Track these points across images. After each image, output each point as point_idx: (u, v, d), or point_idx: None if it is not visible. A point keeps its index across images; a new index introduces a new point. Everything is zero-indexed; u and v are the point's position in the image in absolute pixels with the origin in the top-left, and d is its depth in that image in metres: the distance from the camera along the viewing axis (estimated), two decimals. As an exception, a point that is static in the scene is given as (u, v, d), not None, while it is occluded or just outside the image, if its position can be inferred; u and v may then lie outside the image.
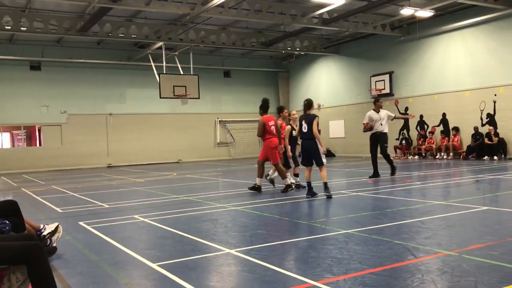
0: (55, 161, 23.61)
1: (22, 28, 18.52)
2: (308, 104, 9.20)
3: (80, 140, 24.18)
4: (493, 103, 18.62)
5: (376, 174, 12.29)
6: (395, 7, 18.66)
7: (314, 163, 9.09)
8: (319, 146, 8.96)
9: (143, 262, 4.85)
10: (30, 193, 12.15)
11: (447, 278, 3.91)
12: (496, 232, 5.71)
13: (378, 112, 12.42)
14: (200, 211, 8.15)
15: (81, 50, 23.60)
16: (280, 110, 11.67)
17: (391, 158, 12.69)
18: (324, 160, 9.05)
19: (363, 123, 12.58)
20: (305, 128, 9.04)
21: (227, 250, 5.16)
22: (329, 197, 8.81)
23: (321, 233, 5.88)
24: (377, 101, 12.62)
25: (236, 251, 5.08)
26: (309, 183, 9.07)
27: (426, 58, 21.51)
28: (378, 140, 12.39)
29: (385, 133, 12.44)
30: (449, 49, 20.47)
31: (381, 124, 12.29)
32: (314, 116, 9.08)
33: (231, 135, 28.13)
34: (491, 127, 18.41)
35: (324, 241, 5.47)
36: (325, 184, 8.95)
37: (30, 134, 25.59)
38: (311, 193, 9.03)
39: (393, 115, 12.91)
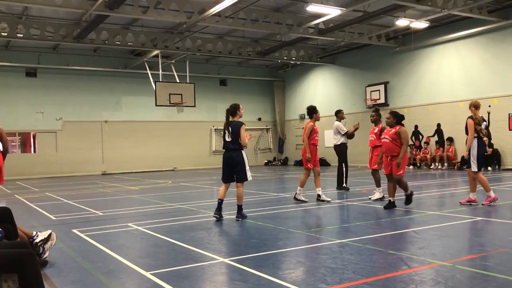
0: (49, 168, 23.49)
1: (18, 35, 18.51)
2: (233, 110, 8.00)
3: (75, 147, 24.09)
4: (487, 114, 18.72)
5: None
6: (391, 18, 18.82)
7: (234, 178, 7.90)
8: (245, 158, 7.83)
9: (137, 271, 4.83)
10: (24, 200, 12.08)
11: (440, 289, 3.91)
12: (490, 243, 5.73)
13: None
14: (194, 219, 8.12)
15: (77, 57, 23.59)
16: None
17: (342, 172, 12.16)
18: (248, 175, 7.86)
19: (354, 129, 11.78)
20: (228, 137, 7.83)
21: (221, 259, 5.15)
22: (242, 218, 7.82)
23: (315, 243, 5.88)
24: (339, 112, 12.24)
25: (230, 260, 5.07)
26: (221, 201, 7.83)
27: (421, 68, 21.66)
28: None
29: (336, 146, 12.15)
30: (443, 60, 20.63)
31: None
32: (241, 124, 7.86)
33: (226, 143, 28.05)
34: (485, 138, 18.46)
35: (318, 251, 5.47)
36: (240, 207, 7.87)
37: (25, 141, 25.46)
38: (220, 213, 7.82)
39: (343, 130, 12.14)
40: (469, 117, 8.55)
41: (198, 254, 5.50)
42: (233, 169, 7.84)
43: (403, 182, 8.40)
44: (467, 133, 8.56)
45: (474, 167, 8.47)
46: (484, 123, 8.68)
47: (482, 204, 8.43)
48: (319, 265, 4.81)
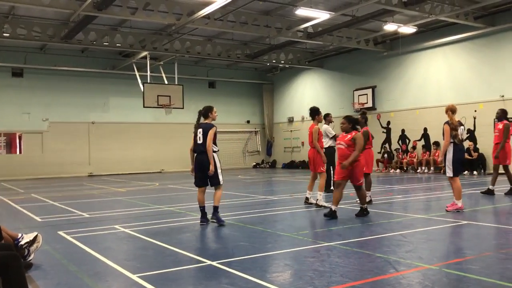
0: (35, 169, 23.22)
1: (4, 34, 18.27)
2: (205, 111, 7.71)
3: (61, 148, 23.86)
4: (473, 119, 18.97)
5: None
6: (379, 22, 18.97)
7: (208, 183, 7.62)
8: (216, 161, 7.50)
9: (123, 273, 4.79)
10: (9, 202, 11.92)
11: (427, 292, 3.94)
12: (476, 247, 5.79)
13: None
14: (181, 222, 8.09)
15: (65, 57, 23.38)
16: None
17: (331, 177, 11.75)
18: (221, 178, 7.58)
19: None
20: (200, 139, 7.50)
21: (209, 262, 5.12)
22: (221, 224, 7.47)
23: (303, 246, 5.88)
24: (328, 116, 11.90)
25: (218, 263, 5.04)
26: (203, 208, 7.64)
27: (408, 73, 21.85)
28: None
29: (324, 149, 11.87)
30: (430, 65, 20.85)
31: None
32: (211, 126, 7.52)
33: (214, 146, 28.00)
34: (471, 143, 18.72)
35: (306, 254, 5.48)
36: (216, 208, 7.55)
37: (10, 142, 25.13)
38: (206, 219, 7.64)
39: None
40: (445, 123, 8.37)
41: (185, 257, 5.47)
42: (204, 173, 7.48)
43: (363, 191, 8.12)
44: (443, 137, 8.47)
45: (449, 173, 8.34)
46: (462, 127, 8.58)
47: (447, 210, 8.33)
48: (307, 268, 4.82)
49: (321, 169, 9.62)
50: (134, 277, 4.61)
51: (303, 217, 8.50)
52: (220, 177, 7.55)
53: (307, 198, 9.77)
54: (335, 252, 5.47)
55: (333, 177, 11.92)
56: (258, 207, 9.83)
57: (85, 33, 19.25)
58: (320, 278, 4.41)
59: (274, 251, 5.67)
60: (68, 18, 18.13)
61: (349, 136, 7.94)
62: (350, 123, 8.04)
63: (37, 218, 8.85)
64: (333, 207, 7.89)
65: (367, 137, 9.70)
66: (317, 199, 9.51)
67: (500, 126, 10.67)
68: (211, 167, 7.35)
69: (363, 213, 8.07)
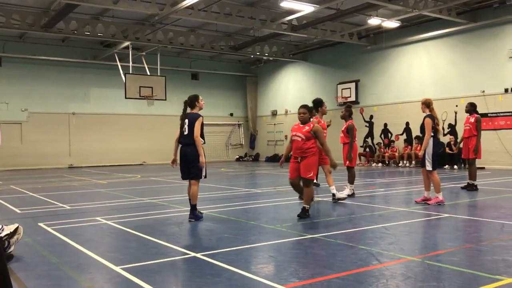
0: (14, 161, 22.81)
1: (-18, 22, 17.88)
2: (191, 101, 7.34)
3: (41, 139, 23.48)
4: (454, 114, 19.23)
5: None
6: (363, 16, 19.04)
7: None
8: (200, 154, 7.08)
9: (106, 265, 4.73)
10: (-13, 193, 11.71)
11: (410, 283, 3.98)
12: (456, 239, 5.88)
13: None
14: (165, 214, 8.03)
15: (44, 47, 22.96)
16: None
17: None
18: (204, 173, 7.20)
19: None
20: (186, 130, 7.17)
21: (193, 254, 5.10)
22: (196, 219, 7.19)
23: (287, 238, 5.89)
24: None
25: (202, 255, 5.02)
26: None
27: (391, 68, 22.02)
28: None
29: None
30: (414, 59, 21.04)
31: None
32: (198, 116, 7.16)
33: (197, 138, 27.85)
34: (452, 137, 18.99)
35: (290, 246, 5.49)
36: (194, 206, 7.19)
37: (-12, 132, 24.68)
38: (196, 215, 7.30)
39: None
40: (428, 116, 8.38)
41: (169, 249, 5.44)
42: (187, 166, 7.15)
43: (310, 189, 7.29)
44: (422, 131, 8.47)
45: (429, 166, 8.34)
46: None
47: (428, 204, 8.36)
48: (291, 260, 4.83)
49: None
50: (118, 269, 4.56)
51: (287, 210, 8.51)
52: (203, 172, 7.21)
53: (333, 195, 9.14)
54: (319, 244, 5.49)
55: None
56: (241, 200, 9.82)
57: (66, 22, 18.91)
58: (304, 270, 4.42)
59: (258, 243, 5.67)
60: (48, 6, 17.78)
61: (307, 127, 7.16)
62: (310, 113, 7.43)
63: (17, 210, 8.70)
64: (307, 207, 7.43)
65: (352, 131, 9.75)
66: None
67: (472, 120, 10.86)
68: (201, 159, 7.02)
69: (305, 214, 7.21)
